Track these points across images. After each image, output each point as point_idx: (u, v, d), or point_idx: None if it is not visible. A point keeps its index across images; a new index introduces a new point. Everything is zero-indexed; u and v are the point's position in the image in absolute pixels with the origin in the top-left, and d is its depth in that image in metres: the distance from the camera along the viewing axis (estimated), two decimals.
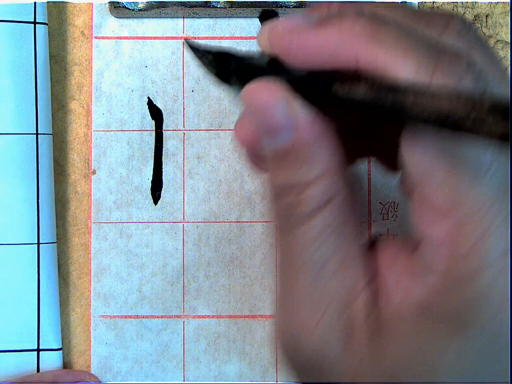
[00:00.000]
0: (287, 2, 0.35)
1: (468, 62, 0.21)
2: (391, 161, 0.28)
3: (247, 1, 0.35)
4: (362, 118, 0.27)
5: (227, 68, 0.27)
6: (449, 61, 0.21)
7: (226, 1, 0.34)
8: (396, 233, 0.35)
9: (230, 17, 0.35)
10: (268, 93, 0.24)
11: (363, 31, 0.22)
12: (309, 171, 0.24)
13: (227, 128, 0.35)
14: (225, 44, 0.35)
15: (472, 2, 0.35)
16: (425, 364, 0.21)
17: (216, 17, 0.35)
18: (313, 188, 0.24)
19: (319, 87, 0.23)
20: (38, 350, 0.34)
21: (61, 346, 0.34)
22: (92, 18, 0.35)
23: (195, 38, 0.35)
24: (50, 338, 0.34)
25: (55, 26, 0.35)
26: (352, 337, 0.23)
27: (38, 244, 0.33)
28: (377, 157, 0.29)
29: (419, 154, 0.21)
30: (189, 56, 0.35)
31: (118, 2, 0.34)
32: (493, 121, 0.18)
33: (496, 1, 0.35)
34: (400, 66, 0.21)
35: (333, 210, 0.23)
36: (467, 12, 0.35)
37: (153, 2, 0.34)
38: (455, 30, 0.23)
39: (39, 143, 0.33)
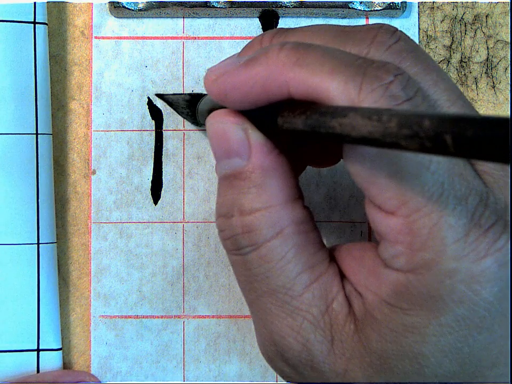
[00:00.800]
0: (287, 2, 0.35)
1: (394, 71, 0.22)
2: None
3: (247, 1, 0.35)
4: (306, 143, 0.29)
5: (195, 109, 0.32)
6: (375, 73, 0.22)
7: (226, 1, 0.34)
8: None
9: (230, 17, 0.35)
10: (227, 118, 0.25)
11: (288, 59, 0.23)
12: (256, 198, 0.24)
13: None
14: (225, 44, 0.35)
15: (472, 2, 0.35)
16: (409, 350, 0.22)
17: (216, 17, 0.35)
18: (258, 216, 0.24)
19: (266, 121, 0.25)
20: (38, 350, 0.34)
21: (60, 347, 0.34)
22: (91, 18, 0.35)
23: (195, 38, 0.35)
24: (50, 339, 0.34)
25: (55, 26, 0.35)
26: (336, 338, 0.24)
27: (38, 244, 0.33)
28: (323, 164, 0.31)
29: (359, 163, 0.22)
30: (189, 56, 0.35)
31: (118, 2, 0.34)
32: (404, 139, 0.18)
33: (496, 1, 0.35)
34: (328, 86, 0.22)
35: (286, 240, 0.24)
36: (467, 12, 0.36)
37: (153, 2, 0.34)
38: (382, 42, 0.24)
39: (38, 143, 0.33)
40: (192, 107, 0.33)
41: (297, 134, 0.23)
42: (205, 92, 0.27)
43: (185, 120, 0.35)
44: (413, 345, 0.22)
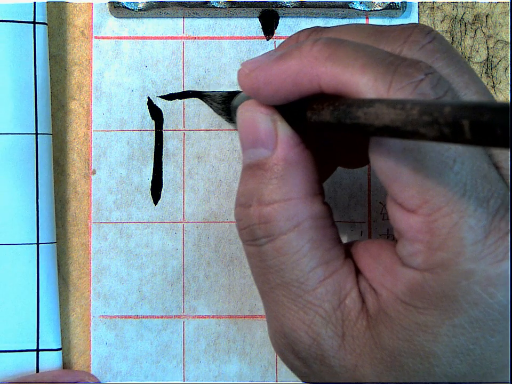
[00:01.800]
0: (287, 2, 0.35)
1: (425, 70, 0.22)
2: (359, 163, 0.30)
3: (247, 1, 0.35)
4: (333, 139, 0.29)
5: (229, 106, 0.33)
6: (405, 71, 0.22)
7: (226, 1, 0.34)
8: None
9: (230, 17, 0.35)
10: (257, 108, 0.26)
11: (320, 54, 0.23)
12: (276, 190, 0.25)
13: (227, 128, 0.35)
14: (225, 44, 0.35)
15: (472, 2, 0.35)
16: (420, 349, 0.22)
17: (216, 17, 0.35)
18: (276, 208, 0.25)
19: (295, 114, 0.25)
20: (38, 350, 0.34)
21: (60, 347, 0.34)
22: (91, 18, 0.35)
23: (195, 38, 0.35)
24: (50, 339, 0.34)
25: (55, 26, 0.35)
26: (347, 334, 0.24)
27: (38, 244, 0.33)
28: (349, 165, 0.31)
29: (384, 160, 0.22)
30: (189, 56, 0.35)
31: (118, 2, 0.34)
32: (424, 127, 0.18)
33: (496, 1, 0.35)
34: (358, 81, 0.22)
35: (302, 234, 0.24)
36: (467, 12, 0.36)
37: (153, 2, 0.34)
38: (415, 41, 0.24)
39: (38, 143, 0.33)
40: (227, 104, 0.33)
41: (324, 127, 0.24)
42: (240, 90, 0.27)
43: (185, 120, 0.35)
44: (424, 344, 0.22)
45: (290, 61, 0.24)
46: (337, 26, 0.27)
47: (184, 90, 0.35)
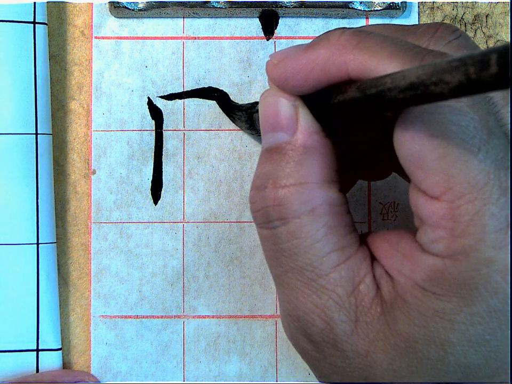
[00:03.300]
0: (287, 2, 0.35)
1: None
2: (380, 172, 0.30)
3: (247, 1, 0.35)
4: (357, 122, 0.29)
5: (252, 118, 0.33)
6: (432, 60, 0.22)
7: (226, 1, 0.34)
8: None
9: (230, 17, 0.35)
10: (280, 93, 0.26)
11: (348, 42, 0.24)
12: (292, 173, 0.25)
13: (227, 128, 0.35)
14: (225, 44, 0.35)
15: (472, 2, 0.35)
16: (436, 336, 0.22)
17: (216, 17, 0.35)
18: (291, 191, 0.25)
19: (320, 98, 0.25)
20: (37, 350, 0.34)
21: (60, 347, 0.34)
22: (91, 18, 0.35)
23: (195, 38, 0.35)
24: (50, 339, 0.34)
25: (55, 26, 0.35)
26: (360, 319, 0.24)
27: (38, 244, 0.33)
28: (370, 173, 0.31)
29: (408, 146, 0.22)
30: (189, 56, 0.35)
31: (118, 2, 0.34)
32: (450, 72, 0.19)
33: (496, 1, 0.35)
34: (386, 68, 0.23)
35: (317, 219, 0.24)
36: (467, 12, 0.36)
37: (153, 2, 0.34)
38: (442, 37, 0.25)
39: (38, 143, 0.33)
40: (251, 114, 0.33)
41: (349, 106, 0.24)
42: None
43: (185, 120, 0.35)
44: (441, 331, 0.22)
45: (318, 50, 0.24)
46: (364, 26, 0.27)
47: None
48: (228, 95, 0.35)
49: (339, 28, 0.25)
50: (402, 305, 0.23)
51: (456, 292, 0.22)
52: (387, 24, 0.27)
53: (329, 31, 0.25)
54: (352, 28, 0.25)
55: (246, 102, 0.35)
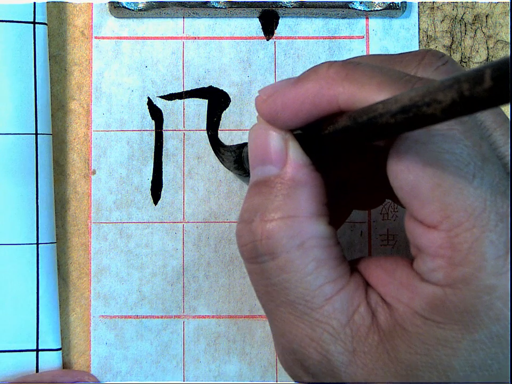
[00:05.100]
0: (287, 2, 0.35)
1: None
2: (372, 201, 0.31)
3: (247, 1, 0.35)
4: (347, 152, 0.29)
5: (240, 158, 0.32)
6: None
7: (226, 1, 0.34)
8: (395, 233, 0.35)
9: (230, 17, 0.35)
10: (270, 126, 0.26)
11: (337, 74, 0.24)
12: (280, 207, 0.25)
13: (227, 128, 0.35)
14: (225, 44, 0.35)
15: (472, 2, 0.35)
16: (438, 362, 0.22)
17: (216, 17, 0.35)
18: (280, 224, 0.24)
19: (311, 130, 0.25)
20: (37, 350, 0.34)
21: (60, 347, 0.34)
22: (91, 18, 0.35)
23: (195, 38, 0.35)
24: (50, 339, 0.34)
25: (55, 26, 0.35)
26: (358, 349, 0.23)
27: (38, 244, 0.33)
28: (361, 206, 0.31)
29: (403, 177, 0.22)
30: (189, 56, 0.35)
31: (118, 2, 0.34)
32: (443, 91, 0.18)
33: (496, 1, 0.35)
34: (376, 98, 0.22)
35: (307, 252, 0.24)
36: (467, 12, 0.36)
37: (153, 2, 0.34)
38: (429, 64, 0.25)
39: (38, 143, 0.33)
40: (238, 156, 0.33)
41: (340, 135, 0.24)
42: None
43: (185, 120, 0.35)
44: (443, 358, 0.22)
45: (307, 84, 0.24)
46: (349, 58, 0.27)
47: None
48: (227, 95, 0.35)
49: (326, 62, 0.25)
50: (402, 333, 0.23)
51: (457, 319, 0.22)
52: (373, 54, 0.27)
53: (317, 64, 0.25)
54: (339, 61, 0.25)
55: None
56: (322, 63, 0.25)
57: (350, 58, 0.27)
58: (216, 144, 0.35)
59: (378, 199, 0.30)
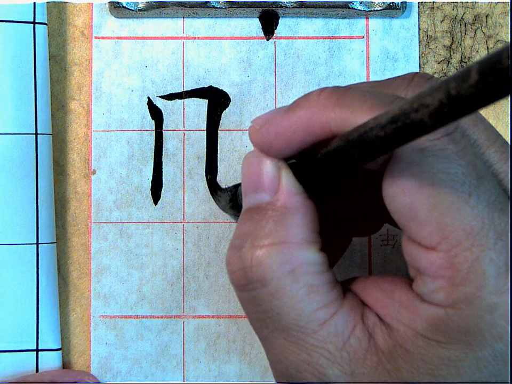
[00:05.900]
0: (287, 2, 0.35)
1: None
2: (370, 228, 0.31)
3: (247, 1, 0.35)
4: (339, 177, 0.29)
5: (235, 198, 0.32)
6: None
7: (226, 1, 0.34)
8: (395, 233, 0.35)
9: (230, 17, 0.35)
10: (263, 154, 0.26)
11: (328, 100, 0.24)
12: (271, 233, 0.24)
13: (227, 128, 0.35)
14: (225, 44, 0.35)
15: (472, 2, 0.35)
16: (442, 381, 0.22)
17: (216, 17, 0.35)
18: (270, 250, 0.24)
19: (305, 159, 0.26)
20: (37, 350, 0.34)
21: (60, 347, 0.34)
22: (91, 18, 0.35)
23: (195, 38, 0.35)
24: (49, 339, 0.34)
25: (55, 26, 0.35)
26: (356, 371, 0.23)
27: (38, 244, 0.33)
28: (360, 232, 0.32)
29: (399, 200, 0.22)
30: (189, 56, 0.35)
31: (118, 2, 0.34)
32: (431, 95, 0.18)
33: (496, 1, 0.35)
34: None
35: (298, 279, 0.24)
36: (467, 12, 0.36)
37: (153, 2, 0.34)
38: (418, 85, 0.25)
39: (38, 143, 0.33)
40: (234, 195, 0.33)
41: (333, 157, 0.24)
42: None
43: (185, 120, 0.35)
44: (447, 377, 0.22)
45: (299, 111, 0.24)
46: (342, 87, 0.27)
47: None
48: (227, 95, 0.35)
49: (317, 88, 0.25)
50: (404, 353, 0.23)
51: (460, 339, 0.22)
52: (361, 82, 0.27)
53: (308, 92, 0.25)
54: (329, 86, 0.25)
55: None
56: (313, 90, 0.25)
57: (343, 86, 0.27)
58: (214, 188, 0.35)
59: (377, 225, 0.30)
